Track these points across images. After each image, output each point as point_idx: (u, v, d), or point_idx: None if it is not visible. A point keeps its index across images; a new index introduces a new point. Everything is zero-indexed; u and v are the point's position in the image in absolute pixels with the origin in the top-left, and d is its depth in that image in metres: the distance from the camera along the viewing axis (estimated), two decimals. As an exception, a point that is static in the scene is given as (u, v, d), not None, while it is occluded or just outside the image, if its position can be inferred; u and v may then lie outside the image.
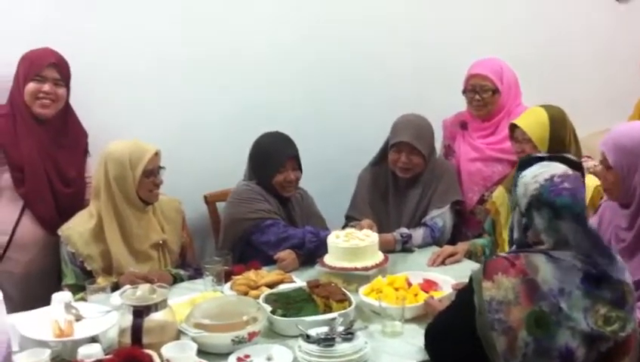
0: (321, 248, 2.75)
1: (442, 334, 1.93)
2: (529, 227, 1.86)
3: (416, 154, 3.02)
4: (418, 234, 2.99)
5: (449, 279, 2.47)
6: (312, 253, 2.79)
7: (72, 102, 2.87)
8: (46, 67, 2.73)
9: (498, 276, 1.78)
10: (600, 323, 1.75)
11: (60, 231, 2.64)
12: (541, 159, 1.93)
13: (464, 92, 3.18)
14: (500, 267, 1.80)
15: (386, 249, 2.80)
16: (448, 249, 2.85)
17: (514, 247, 1.93)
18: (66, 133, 2.86)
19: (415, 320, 2.24)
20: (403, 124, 3.07)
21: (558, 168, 1.86)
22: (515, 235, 1.92)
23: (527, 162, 1.92)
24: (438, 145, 3.37)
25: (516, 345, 1.74)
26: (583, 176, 1.92)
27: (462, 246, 2.87)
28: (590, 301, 1.75)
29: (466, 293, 1.86)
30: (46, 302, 2.27)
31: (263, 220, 2.86)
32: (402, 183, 3.12)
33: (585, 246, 1.79)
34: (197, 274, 2.77)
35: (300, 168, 2.97)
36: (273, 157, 2.92)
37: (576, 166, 1.91)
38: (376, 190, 3.17)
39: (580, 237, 1.80)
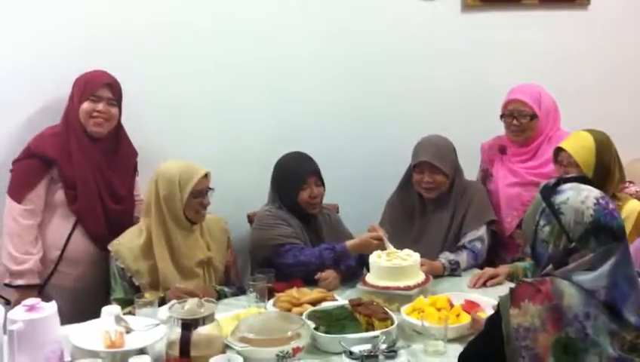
0: (341, 259, 2.80)
1: (475, 361, 1.92)
2: (573, 252, 1.78)
3: (438, 172, 3.03)
4: (462, 259, 2.96)
5: (491, 301, 2.44)
6: (335, 265, 2.82)
7: (124, 122, 2.95)
8: (100, 87, 2.82)
9: (525, 303, 1.75)
10: (626, 349, 1.71)
11: (110, 247, 2.69)
12: (559, 183, 1.86)
13: (502, 117, 3.18)
14: (526, 294, 1.77)
15: (435, 276, 2.79)
16: (490, 271, 2.82)
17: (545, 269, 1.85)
18: (117, 152, 2.94)
19: (458, 340, 2.24)
20: (422, 145, 3.09)
21: (590, 189, 1.81)
22: (549, 261, 1.82)
23: (551, 188, 1.85)
24: (476, 169, 3.38)
25: None
26: None
27: (503, 269, 2.83)
28: (617, 325, 1.72)
29: (494, 320, 1.84)
30: (94, 315, 2.31)
31: (282, 246, 2.87)
32: (430, 206, 3.12)
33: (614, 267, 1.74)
34: (240, 292, 2.81)
35: (322, 184, 2.98)
36: (295, 175, 2.95)
37: (590, 183, 1.87)
38: (403, 213, 3.16)
39: (621, 257, 1.75)
